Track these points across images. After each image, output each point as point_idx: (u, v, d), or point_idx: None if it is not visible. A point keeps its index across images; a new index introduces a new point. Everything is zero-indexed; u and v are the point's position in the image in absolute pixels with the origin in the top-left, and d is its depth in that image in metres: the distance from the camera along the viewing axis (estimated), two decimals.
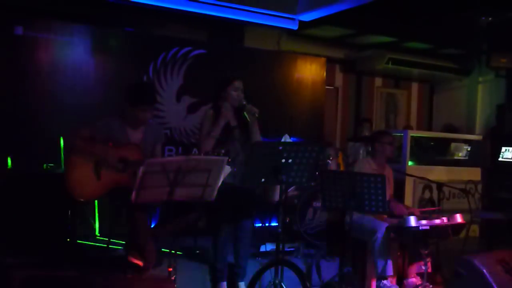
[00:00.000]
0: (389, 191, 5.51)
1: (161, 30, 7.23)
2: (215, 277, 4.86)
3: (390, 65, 9.21)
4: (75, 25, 6.23)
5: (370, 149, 5.92)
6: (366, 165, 5.52)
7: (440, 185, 5.64)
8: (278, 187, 4.62)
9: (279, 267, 4.30)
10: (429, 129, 10.64)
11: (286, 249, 5.33)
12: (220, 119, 4.63)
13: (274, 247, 4.59)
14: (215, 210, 4.72)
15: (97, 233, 5.67)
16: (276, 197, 5.01)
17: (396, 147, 5.88)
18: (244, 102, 4.68)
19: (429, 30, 8.62)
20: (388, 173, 5.66)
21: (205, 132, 4.66)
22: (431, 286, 5.02)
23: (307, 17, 7.32)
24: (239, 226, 4.81)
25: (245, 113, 4.70)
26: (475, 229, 7.71)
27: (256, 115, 4.64)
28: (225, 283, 4.84)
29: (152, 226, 5.29)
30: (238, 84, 4.75)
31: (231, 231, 4.82)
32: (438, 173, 7.38)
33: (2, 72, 5.70)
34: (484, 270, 4.36)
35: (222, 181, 3.84)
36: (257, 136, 4.71)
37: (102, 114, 4.58)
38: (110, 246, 4.83)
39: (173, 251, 3.88)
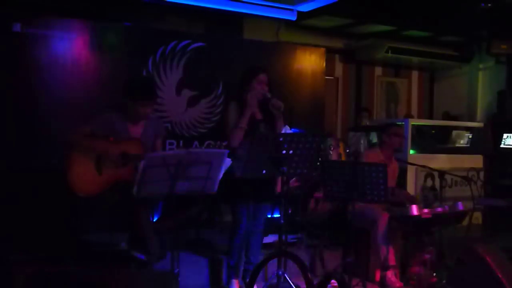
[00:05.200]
0: (392, 183, 5.52)
1: (159, 23, 7.21)
2: (229, 273, 4.79)
3: (389, 54, 9.19)
4: (73, 20, 6.20)
5: (377, 139, 5.92)
6: (373, 156, 5.51)
7: (442, 173, 5.64)
8: (279, 179, 4.61)
9: (282, 258, 4.30)
10: (430, 117, 10.63)
11: (289, 240, 5.34)
12: (246, 109, 4.50)
13: (277, 238, 4.58)
14: (236, 204, 4.64)
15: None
16: (278, 188, 5.00)
17: (404, 138, 5.88)
18: (269, 96, 4.56)
19: (428, 18, 8.59)
20: (394, 166, 5.68)
21: (232, 125, 4.53)
22: (434, 274, 5.03)
23: (306, 7, 7.28)
24: (254, 220, 4.70)
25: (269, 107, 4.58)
26: (478, 217, 7.71)
27: (281, 109, 4.54)
28: (236, 281, 4.76)
29: (154, 220, 5.30)
30: (263, 77, 4.61)
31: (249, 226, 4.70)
32: (440, 161, 7.36)
33: (1, 69, 5.69)
34: (488, 258, 4.36)
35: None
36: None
37: (102, 109, 4.57)
38: (112, 240, 4.83)
39: (175, 245, 3.88)
